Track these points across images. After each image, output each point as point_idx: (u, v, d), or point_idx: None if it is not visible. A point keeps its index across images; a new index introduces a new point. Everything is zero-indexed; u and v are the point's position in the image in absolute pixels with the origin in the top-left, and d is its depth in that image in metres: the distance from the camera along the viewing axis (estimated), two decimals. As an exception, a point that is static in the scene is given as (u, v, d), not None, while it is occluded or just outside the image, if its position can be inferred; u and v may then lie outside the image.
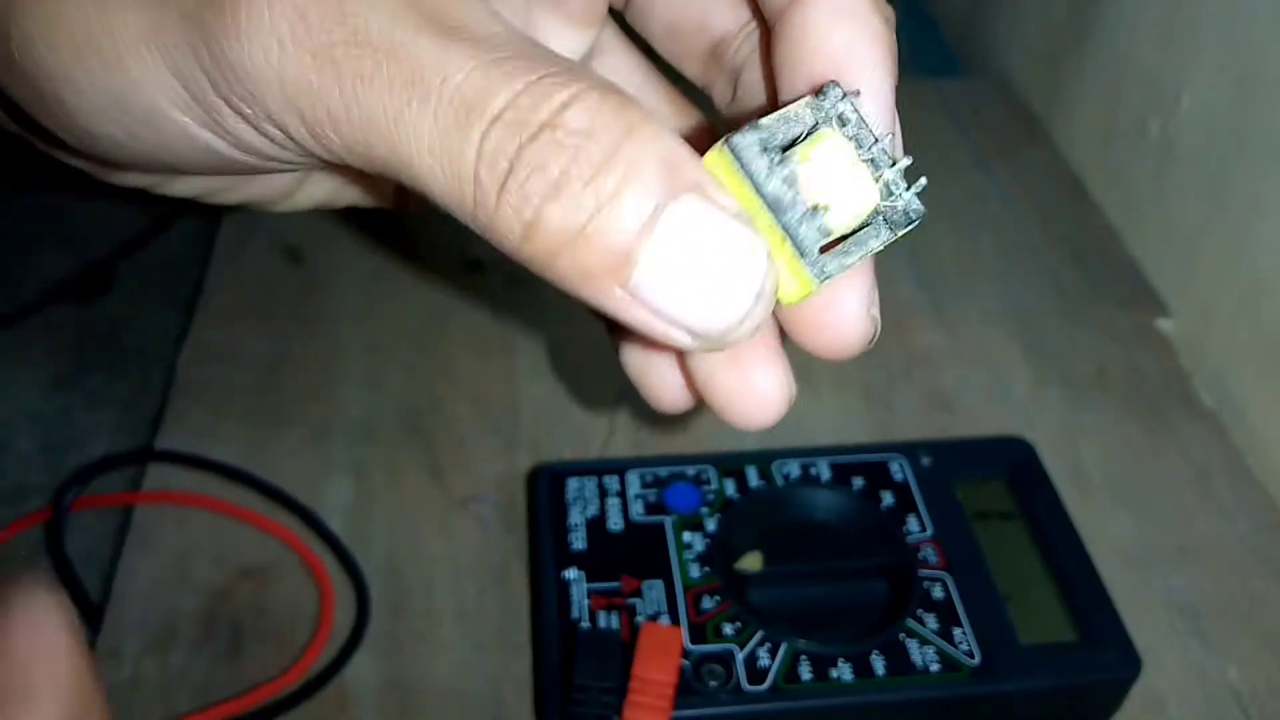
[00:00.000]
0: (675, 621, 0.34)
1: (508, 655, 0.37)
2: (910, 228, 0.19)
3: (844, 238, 0.19)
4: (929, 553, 0.37)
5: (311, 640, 0.37)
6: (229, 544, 0.40)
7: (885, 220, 0.19)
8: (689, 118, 0.26)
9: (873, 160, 0.19)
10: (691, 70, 0.25)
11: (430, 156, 0.17)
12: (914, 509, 0.38)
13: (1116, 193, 0.57)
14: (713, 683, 0.33)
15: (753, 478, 0.39)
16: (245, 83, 0.18)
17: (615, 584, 0.35)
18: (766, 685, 0.33)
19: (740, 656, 0.33)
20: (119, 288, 0.54)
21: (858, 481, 0.39)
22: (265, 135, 0.19)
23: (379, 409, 0.46)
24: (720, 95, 0.25)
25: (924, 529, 0.38)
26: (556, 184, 0.16)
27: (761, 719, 0.33)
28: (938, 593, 0.35)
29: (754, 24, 0.24)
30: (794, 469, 0.39)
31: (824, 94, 0.18)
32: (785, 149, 0.18)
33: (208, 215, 0.56)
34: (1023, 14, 0.68)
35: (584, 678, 0.32)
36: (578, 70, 0.17)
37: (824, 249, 0.19)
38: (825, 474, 0.39)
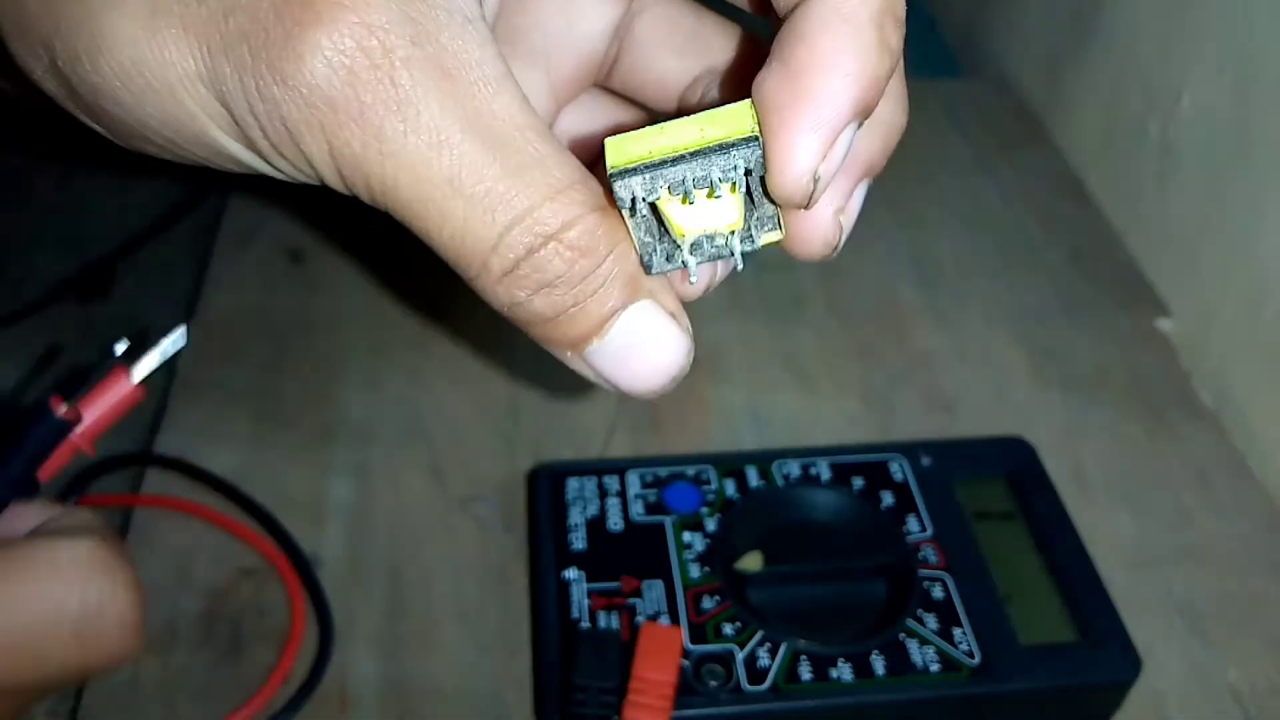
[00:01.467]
0: (675, 621, 0.34)
1: (508, 655, 0.37)
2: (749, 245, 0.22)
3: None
4: (929, 553, 0.37)
5: (278, 662, 0.37)
6: (229, 544, 0.40)
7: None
8: (750, 44, 0.27)
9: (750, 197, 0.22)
10: (754, 8, 0.26)
11: (449, 232, 0.20)
12: (914, 509, 0.38)
13: (1116, 193, 0.57)
14: (713, 683, 0.33)
15: (753, 478, 0.39)
16: (289, 124, 0.20)
17: (615, 584, 0.36)
18: (766, 685, 0.33)
19: (740, 656, 0.34)
20: (119, 288, 0.54)
21: (858, 481, 0.39)
22: (297, 166, 0.21)
23: (379, 410, 0.46)
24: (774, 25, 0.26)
25: (924, 529, 0.38)
26: (549, 283, 0.21)
27: (762, 719, 0.33)
28: (938, 593, 0.36)
29: None
30: (794, 469, 0.39)
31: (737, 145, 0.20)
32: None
33: (208, 216, 0.56)
34: (1023, 15, 0.68)
35: (584, 678, 0.32)
36: (581, 180, 0.21)
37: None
38: (825, 474, 0.39)
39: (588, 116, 0.28)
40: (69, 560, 0.25)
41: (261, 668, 0.36)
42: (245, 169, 0.22)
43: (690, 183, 0.20)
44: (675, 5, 0.28)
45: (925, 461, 0.40)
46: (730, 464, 0.39)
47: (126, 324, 0.52)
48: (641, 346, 0.22)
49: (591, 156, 0.28)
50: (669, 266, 0.22)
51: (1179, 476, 0.44)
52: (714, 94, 0.27)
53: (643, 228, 0.21)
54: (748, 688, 0.33)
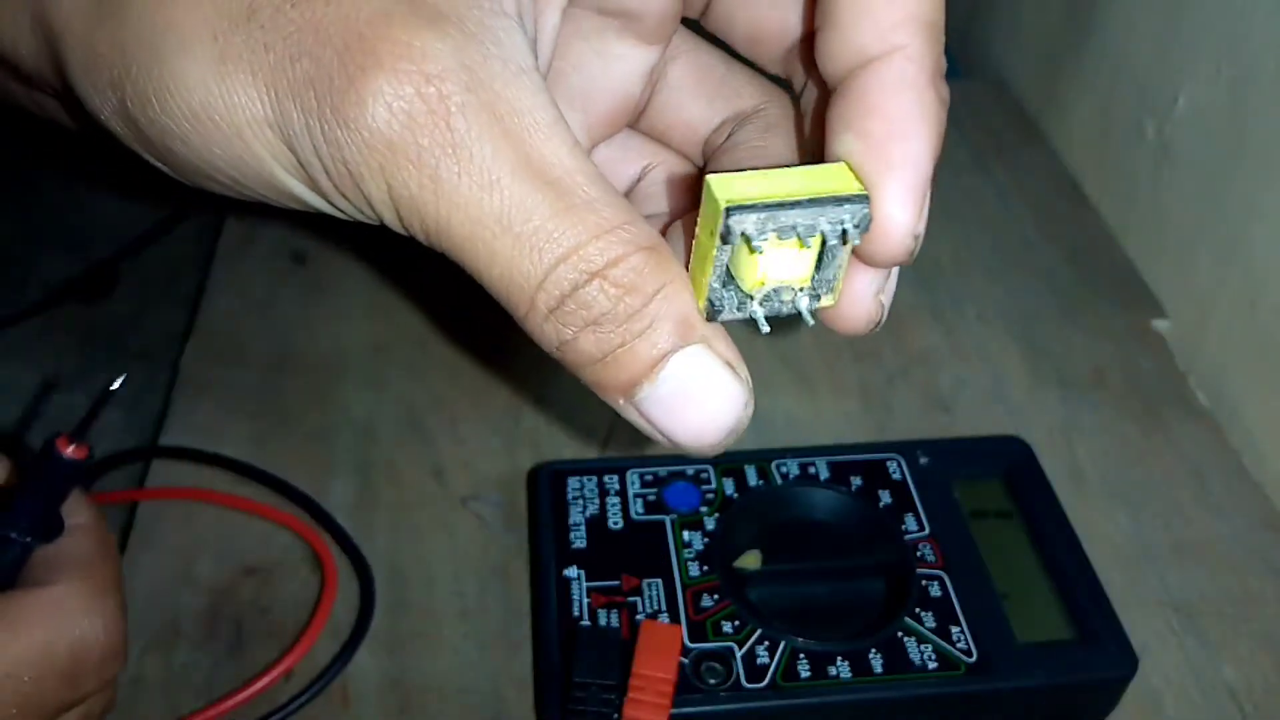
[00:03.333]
0: (675, 620, 0.35)
1: (509, 653, 0.37)
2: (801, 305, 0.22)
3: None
4: (926, 551, 0.37)
5: (306, 628, 0.37)
6: (232, 542, 0.40)
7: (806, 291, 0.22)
8: (776, 94, 0.28)
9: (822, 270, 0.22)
10: (773, 68, 0.28)
11: (498, 270, 0.21)
12: (912, 508, 0.38)
13: (1113, 194, 0.57)
14: (712, 680, 0.33)
15: (751, 477, 0.39)
16: (350, 166, 0.20)
17: (615, 582, 0.36)
18: (765, 683, 0.33)
19: (739, 654, 0.34)
20: (123, 288, 0.54)
21: (856, 481, 0.39)
22: (357, 206, 0.22)
23: (381, 408, 0.46)
24: (799, 85, 0.27)
25: (922, 528, 0.38)
26: (596, 322, 0.21)
27: (760, 716, 0.33)
28: (935, 591, 0.36)
29: None
30: (793, 468, 0.39)
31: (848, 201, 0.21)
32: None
33: (212, 217, 0.56)
34: (1020, 17, 0.68)
35: (584, 675, 0.32)
36: (630, 221, 0.21)
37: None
38: (824, 473, 0.39)
39: (620, 154, 0.29)
40: (55, 606, 0.28)
41: (264, 665, 0.36)
42: (307, 207, 0.23)
43: (798, 229, 0.21)
44: (706, 53, 0.28)
45: (923, 460, 0.40)
46: (729, 463, 0.40)
47: (130, 324, 0.53)
48: (694, 394, 0.22)
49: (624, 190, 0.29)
50: (736, 316, 0.22)
51: (1175, 475, 0.44)
52: (739, 139, 0.27)
53: (714, 274, 0.21)
54: (746, 685, 0.33)
